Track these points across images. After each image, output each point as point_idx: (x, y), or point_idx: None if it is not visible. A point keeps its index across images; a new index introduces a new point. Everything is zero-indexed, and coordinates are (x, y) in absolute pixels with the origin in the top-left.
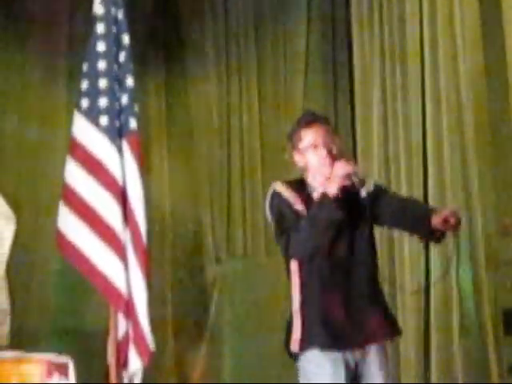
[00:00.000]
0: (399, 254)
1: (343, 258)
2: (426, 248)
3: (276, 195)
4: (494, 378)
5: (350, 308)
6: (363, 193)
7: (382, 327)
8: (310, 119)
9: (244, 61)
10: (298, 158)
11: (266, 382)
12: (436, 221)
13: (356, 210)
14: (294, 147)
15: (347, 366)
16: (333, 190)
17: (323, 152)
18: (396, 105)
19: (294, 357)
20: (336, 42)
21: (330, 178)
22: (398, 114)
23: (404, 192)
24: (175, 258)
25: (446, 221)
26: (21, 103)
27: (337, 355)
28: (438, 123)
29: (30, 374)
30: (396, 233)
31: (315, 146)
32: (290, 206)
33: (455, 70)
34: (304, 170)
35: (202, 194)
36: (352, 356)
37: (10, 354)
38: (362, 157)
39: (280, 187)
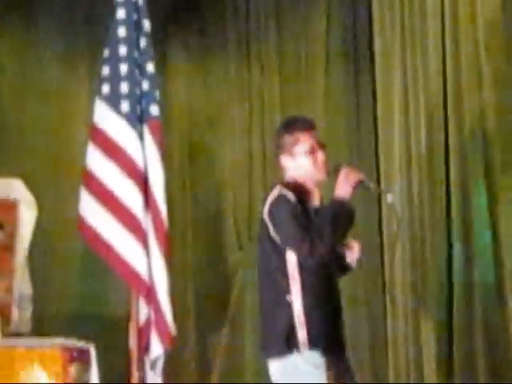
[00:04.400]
0: None
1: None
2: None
3: (284, 199)
4: None
5: (337, 318)
6: None
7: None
8: (307, 124)
9: (264, 45)
10: (287, 162)
11: None
12: None
13: None
14: (285, 150)
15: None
16: (348, 194)
17: (323, 156)
18: (417, 87)
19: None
20: (356, 25)
21: (340, 183)
22: (419, 97)
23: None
24: (197, 244)
25: None
26: (41, 88)
27: (324, 360)
28: (459, 104)
29: (51, 360)
30: None
31: (312, 151)
32: (300, 209)
33: (477, 48)
34: (290, 174)
35: (223, 179)
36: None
37: (31, 340)
38: (383, 139)
39: (285, 191)
